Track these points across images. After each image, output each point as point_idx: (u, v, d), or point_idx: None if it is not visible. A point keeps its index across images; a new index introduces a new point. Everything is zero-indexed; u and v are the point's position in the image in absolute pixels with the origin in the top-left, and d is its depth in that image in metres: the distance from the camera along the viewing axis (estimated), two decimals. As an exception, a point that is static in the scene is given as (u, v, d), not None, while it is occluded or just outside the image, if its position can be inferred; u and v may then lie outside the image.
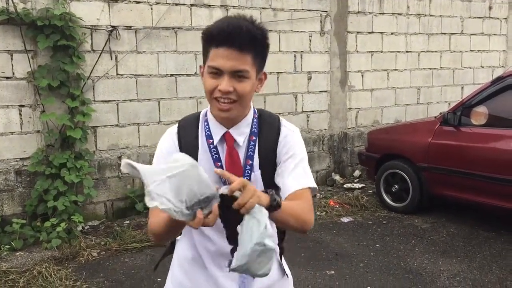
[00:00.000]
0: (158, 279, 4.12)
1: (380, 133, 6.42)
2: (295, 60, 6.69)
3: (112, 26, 5.39)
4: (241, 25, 1.40)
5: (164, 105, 5.80)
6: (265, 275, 1.25)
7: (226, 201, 1.23)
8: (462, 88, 8.37)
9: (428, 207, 5.68)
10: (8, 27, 4.88)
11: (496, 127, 4.97)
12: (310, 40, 6.79)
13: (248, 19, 1.44)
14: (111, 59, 5.43)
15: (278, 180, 1.51)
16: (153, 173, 1.17)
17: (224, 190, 1.23)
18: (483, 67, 8.59)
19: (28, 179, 5.09)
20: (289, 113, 6.71)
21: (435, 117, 5.77)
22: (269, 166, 1.53)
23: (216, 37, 1.40)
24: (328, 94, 7.05)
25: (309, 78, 6.84)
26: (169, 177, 1.16)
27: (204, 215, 1.20)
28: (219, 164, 1.49)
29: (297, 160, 1.53)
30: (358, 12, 7.15)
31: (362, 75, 7.32)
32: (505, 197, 4.75)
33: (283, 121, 1.60)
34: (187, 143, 1.53)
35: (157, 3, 5.64)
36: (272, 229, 1.24)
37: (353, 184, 6.99)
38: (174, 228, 1.38)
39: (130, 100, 5.60)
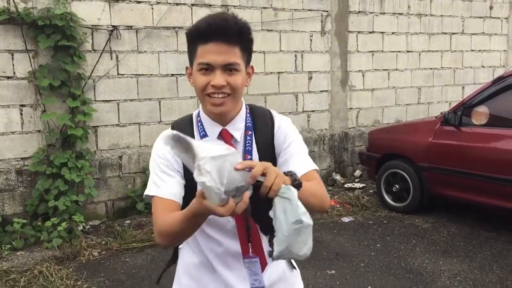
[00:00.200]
0: (159, 279, 4.12)
1: (380, 133, 6.42)
2: (295, 60, 6.69)
3: (113, 26, 5.40)
4: (226, 19, 1.40)
5: (165, 105, 5.80)
6: (307, 256, 1.24)
7: (254, 189, 1.22)
8: (463, 88, 8.37)
9: (428, 207, 5.68)
10: (9, 26, 4.89)
11: (497, 127, 4.96)
12: (311, 40, 6.79)
13: (230, 14, 1.43)
14: (112, 59, 5.43)
15: (284, 168, 1.49)
16: (201, 149, 1.15)
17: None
18: (484, 67, 8.58)
19: (29, 178, 5.10)
20: (289, 113, 6.71)
21: (436, 117, 5.77)
22: (268, 160, 1.49)
23: (203, 33, 1.39)
24: (329, 94, 7.05)
25: (310, 78, 6.84)
26: (213, 158, 1.14)
27: (234, 203, 1.17)
28: None
29: (296, 146, 1.54)
30: (359, 11, 7.15)
31: (363, 75, 7.32)
32: (505, 197, 4.75)
33: (274, 112, 1.61)
34: None
35: (158, 3, 5.64)
36: (303, 206, 1.23)
37: (353, 184, 6.99)
38: (192, 225, 1.33)
39: (131, 100, 5.61)
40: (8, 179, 5.03)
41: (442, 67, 8.11)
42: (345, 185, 6.93)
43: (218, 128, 1.51)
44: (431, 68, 8.00)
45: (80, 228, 5.01)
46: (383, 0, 7.36)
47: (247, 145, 1.52)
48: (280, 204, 1.21)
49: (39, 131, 5.13)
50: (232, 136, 1.51)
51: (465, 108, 5.21)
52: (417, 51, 7.80)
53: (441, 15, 7.97)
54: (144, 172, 5.67)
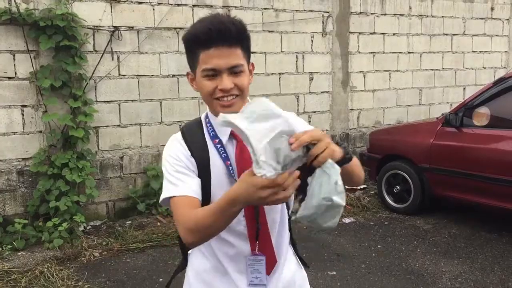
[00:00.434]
0: (160, 279, 4.13)
1: (382, 134, 6.42)
2: (297, 61, 6.69)
3: (114, 27, 5.40)
4: (223, 21, 1.39)
5: (166, 106, 5.80)
6: (331, 228, 1.27)
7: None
8: (464, 89, 8.36)
9: (429, 208, 5.67)
10: (11, 27, 4.89)
11: (498, 128, 4.96)
12: (312, 41, 6.79)
13: (225, 15, 1.43)
14: (113, 59, 5.44)
15: None
16: (257, 139, 1.15)
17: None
18: (485, 68, 8.58)
19: (30, 179, 5.10)
20: (290, 113, 6.69)
21: (437, 118, 5.76)
22: None
23: (203, 39, 1.38)
24: (330, 94, 7.05)
25: (311, 79, 6.84)
26: (269, 143, 1.14)
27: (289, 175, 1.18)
28: (229, 162, 1.48)
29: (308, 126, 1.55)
30: (360, 13, 7.15)
31: (364, 76, 7.32)
32: (507, 198, 4.75)
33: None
34: (197, 147, 1.50)
35: (159, 4, 5.64)
36: (343, 186, 1.25)
37: (354, 184, 6.97)
38: (227, 216, 1.29)
39: (132, 101, 5.61)
40: (10, 179, 5.03)
41: (443, 68, 8.11)
42: (346, 186, 6.92)
43: (228, 128, 1.50)
44: (432, 69, 7.99)
45: (81, 228, 5.01)
46: (384, 1, 7.36)
47: None
48: (319, 176, 1.23)
49: (40, 131, 5.14)
50: None
51: (466, 109, 5.20)
52: (418, 52, 7.80)
53: (442, 16, 7.97)
54: (145, 173, 5.67)
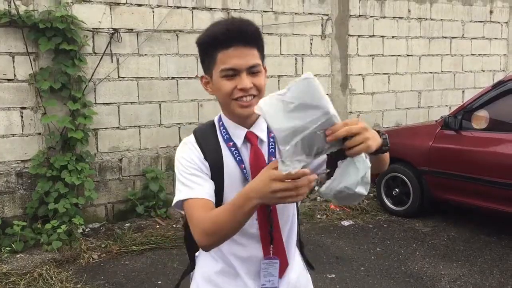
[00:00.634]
0: (159, 282, 4.12)
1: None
2: (296, 64, 6.70)
3: (114, 29, 5.41)
4: (240, 23, 1.43)
5: (165, 108, 5.81)
6: (354, 203, 1.30)
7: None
8: (463, 92, 8.37)
9: (428, 211, 5.67)
10: (10, 29, 4.90)
11: (497, 131, 4.97)
12: (311, 44, 6.80)
13: (238, 18, 1.46)
14: (113, 61, 5.44)
15: None
16: (286, 140, 1.16)
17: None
18: (484, 71, 8.59)
19: (29, 181, 5.10)
20: (290, 116, 6.70)
21: (436, 120, 5.77)
22: None
23: (222, 39, 1.39)
24: (329, 97, 7.03)
25: (310, 82, 6.83)
26: (302, 140, 1.15)
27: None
28: (243, 165, 1.48)
29: None
30: (359, 15, 7.17)
31: (363, 79, 7.32)
32: (506, 201, 4.75)
33: None
34: (210, 150, 1.50)
35: (159, 6, 5.65)
36: (369, 178, 1.27)
37: (353, 187, 6.97)
38: (244, 215, 1.29)
39: (131, 103, 5.61)
40: (8, 181, 5.03)
41: (442, 71, 8.12)
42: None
43: (243, 131, 1.50)
44: (431, 72, 8.00)
45: (80, 230, 5.01)
46: (384, 4, 7.37)
47: (270, 147, 1.52)
48: (348, 166, 1.24)
49: (39, 133, 5.13)
50: (257, 137, 1.51)
51: (465, 112, 5.21)
52: (417, 55, 7.81)
53: (441, 19, 7.98)
54: (144, 175, 5.66)
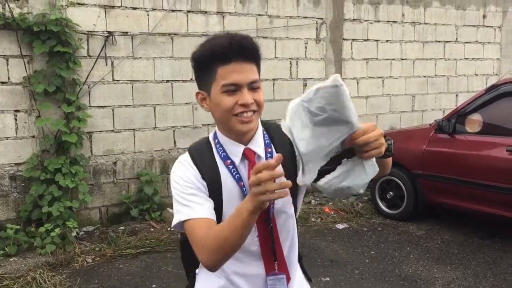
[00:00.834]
0: (153, 285, 4.11)
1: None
2: (290, 67, 6.71)
3: (109, 32, 5.40)
4: (241, 38, 1.40)
5: (160, 111, 5.80)
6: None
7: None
8: (457, 95, 8.42)
9: (422, 214, 5.69)
10: (4, 32, 4.88)
11: (490, 135, 4.99)
12: (306, 47, 6.82)
13: (236, 33, 1.44)
14: (107, 64, 5.43)
15: None
16: (312, 155, 1.21)
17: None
18: (477, 75, 8.64)
19: (23, 184, 5.07)
20: (284, 119, 6.70)
21: (430, 124, 5.80)
22: (293, 171, 1.46)
23: (223, 54, 1.37)
24: (323, 101, 7.06)
25: (305, 85, 6.87)
26: (325, 155, 1.20)
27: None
28: (242, 183, 1.45)
29: None
30: (354, 19, 7.20)
31: (357, 82, 7.35)
32: (499, 204, 4.78)
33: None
34: (207, 168, 1.47)
35: (154, 10, 5.65)
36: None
37: (348, 190, 6.98)
38: (248, 226, 1.28)
39: (126, 106, 5.60)
40: (2, 184, 5.00)
41: (436, 75, 8.16)
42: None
43: (240, 147, 1.48)
44: (425, 76, 8.04)
45: (74, 234, 4.98)
46: (378, 8, 7.41)
47: None
48: (356, 167, 1.26)
49: (33, 136, 5.11)
50: (255, 153, 1.48)
51: (459, 116, 5.24)
52: (411, 59, 7.84)
53: (435, 24, 8.02)
54: (138, 178, 5.65)
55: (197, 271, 1.63)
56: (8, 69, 4.94)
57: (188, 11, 5.87)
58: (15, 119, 5.03)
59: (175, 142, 5.93)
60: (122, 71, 5.53)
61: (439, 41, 8.10)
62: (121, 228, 5.42)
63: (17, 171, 5.06)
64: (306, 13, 6.76)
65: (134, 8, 5.54)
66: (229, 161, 1.47)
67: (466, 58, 8.46)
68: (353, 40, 7.23)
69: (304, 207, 6.11)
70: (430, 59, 8.05)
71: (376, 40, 7.44)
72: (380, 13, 7.43)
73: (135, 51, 5.58)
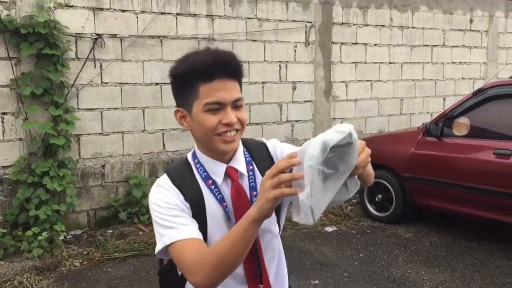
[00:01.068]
0: (142, 289, 4.09)
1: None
2: (280, 70, 6.73)
3: (97, 34, 5.38)
4: (224, 54, 1.36)
5: (149, 114, 5.78)
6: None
7: None
8: (444, 99, 8.49)
9: (411, 216, 5.73)
10: (-9, 33, 4.84)
11: (477, 138, 5.04)
12: (295, 50, 6.84)
13: (218, 49, 1.40)
14: (96, 67, 5.40)
15: None
16: (316, 204, 1.16)
17: None
18: (464, 78, 8.73)
19: (10, 187, 5.02)
20: (273, 122, 6.73)
21: (418, 127, 5.84)
22: None
23: (207, 70, 1.32)
24: (312, 104, 7.10)
25: (294, 88, 6.88)
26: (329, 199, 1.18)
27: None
28: (225, 204, 1.41)
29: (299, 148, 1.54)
30: (343, 23, 7.23)
31: (346, 86, 7.38)
32: (486, 207, 4.82)
33: (262, 139, 1.59)
34: (189, 189, 1.40)
35: (143, 12, 5.63)
36: None
37: (337, 193, 7.00)
38: (248, 241, 1.23)
39: (115, 108, 5.57)
40: (-12, 188, 4.95)
41: (423, 79, 8.23)
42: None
43: (222, 166, 1.43)
44: (413, 80, 8.11)
45: (61, 238, 4.94)
46: (366, 12, 7.46)
47: (251, 181, 1.45)
48: (340, 186, 1.23)
49: (20, 139, 5.07)
50: (237, 171, 1.44)
51: (447, 119, 5.29)
52: (399, 62, 7.90)
53: (423, 28, 8.10)
54: (127, 181, 5.62)
55: None
56: (-5, 71, 4.90)
57: (178, 14, 5.86)
58: (2, 122, 4.98)
59: (164, 145, 5.91)
60: (111, 73, 5.51)
61: (426, 45, 8.17)
62: (109, 231, 5.38)
63: (4, 174, 5.00)
64: (295, 16, 6.78)
65: (123, 11, 5.52)
66: (210, 181, 1.42)
67: (453, 62, 8.54)
68: (342, 43, 7.26)
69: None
70: (418, 63, 8.12)
71: (364, 44, 7.48)
72: (369, 17, 7.48)
73: (124, 54, 5.55)
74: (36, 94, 4.92)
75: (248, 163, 1.47)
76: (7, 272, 4.40)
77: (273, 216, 1.41)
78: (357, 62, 7.44)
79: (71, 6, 5.22)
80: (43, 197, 4.86)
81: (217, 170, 1.43)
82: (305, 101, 7.02)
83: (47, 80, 4.96)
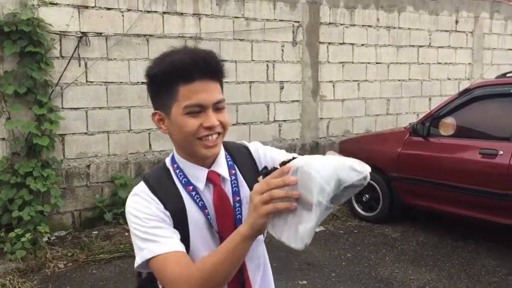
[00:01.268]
0: (127, 291, 4.03)
1: (351, 142, 6.48)
2: (267, 70, 6.71)
3: (82, 32, 5.30)
4: (204, 54, 1.28)
5: (135, 113, 5.72)
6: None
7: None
8: (430, 99, 8.54)
9: (398, 216, 5.74)
10: (-27, 31, 4.75)
11: (463, 138, 5.06)
12: (283, 50, 6.82)
13: (198, 48, 1.33)
14: (80, 66, 5.33)
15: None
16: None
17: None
18: (449, 79, 8.79)
19: (-8, 188, 4.93)
20: (261, 122, 6.71)
21: (404, 127, 5.86)
22: None
23: (187, 71, 1.24)
24: (300, 103, 7.09)
25: (281, 88, 6.86)
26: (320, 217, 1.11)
27: None
28: (206, 211, 1.33)
29: (284, 153, 1.49)
30: (330, 23, 7.24)
31: (333, 86, 7.39)
32: (471, 206, 4.84)
33: (244, 142, 1.53)
34: (169, 197, 1.32)
35: (129, 10, 5.57)
36: None
37: (324, 193, 7.00)
38: (240, 257, 1.17)
39: (100, 108, 5.50)
40: (-30, 188, 4.85)
41: (410, 79, 8.27)
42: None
43: (204, 171, 1.35)
44: (399, 80, 8.14)
45: (45, 239, 4.86)
46: (353, 13, 7.47)
47: (233, 186, 1.39)
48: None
49: (3, 139, 4.98)
50: (220, 176, 1.38)
51: (433, 119, 5.31)
52: (386, 63, 7.93)
53: (409, 28, 8.13)
54: (113, 182, 5.55)
55: None
56: (-23, 70, 4.81)
57: (164, 12, 5.81)
58: (-16, 121, 4.89)
59: (150, 145, 5.86)
60: (96, 72, 5.44)
61: (413, 46, 8.21)
62: (95, 232, 5.31)
63: (-14, 175, 4.91)
64: (283, 16, 6.77)
65: (108, 9, 5.45)
66: (191, 187, 1.34)
67: (439, 63, 8.60)
68: (329, 43, 7.26)
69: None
70: (404, 63, 8.15)
71: (351, 44, 7.49)
72: (356, 17, 7.49)
73: (109, 52, 5.48)
74: (19, 93, 4.84)
75: (230, 167, 1.40)
76: (-11, 274, 4.32)
77: None
78: (344, 62, 7.45)
79: (55, 4, 5.14)
80: (27, 198, 4.79)
81: (198, 175, 1.35)
82: (292, 101, 7.01)
83: (30, 79, 4.88)
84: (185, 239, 1.29)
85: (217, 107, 1.29)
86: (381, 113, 8.01)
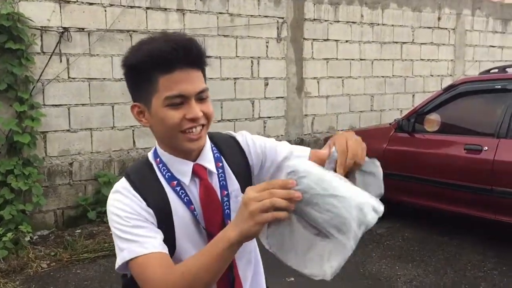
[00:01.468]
0: (113, 291, 3.98)
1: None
2: (252, 66, 6.67)
3: (64, 28, 5.20)
4: (185, 41, 1.20)
5: (118, 110, 5.63)
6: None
7: None
8: (413, 96, 8.60)
9: (384, 212, 5.74)
10: (-49, 26, 4.62)
11: (449, 134, 5.10)
12: (267, 46, 6.79)
13: (178, 34, 1.24)
14: (62, 61, 5.23)
15: (285, 162, 1.34)
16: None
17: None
18: (432, 75, 8.86)
19: (-28, 187, 4.82)
20: (246, 119, 6.67)
21: (390, 123, 5.87)
22: (249, 183, 1.33)
23: (166, 59, 1.16)
24: (284, 100, 7.07)
25: (266, 84, 6.84)
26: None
27: None
28: (192, 207, 1.26)
29: (273, 141, 1.42)
30: (314, 19, 7.23)
31: (318, 82, 7.38)
32: (456, 201, 4.88)
33: (231, 132, 1.46)
34: (152, 194, 1.25)
35: (111, 5, 5.48)
36: None
37: (309, 190, 7.00)
38: (226, 261, 1.11)
39: (83, 105, 5.41)
40: None
41: (393, 75, 8.31)
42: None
43: (189, 165, 1.28)
44: (383, 76, 8.18)
45: (27, 238, 4.76)
46: (337, 9, 7.47)
47: (221, 180, 1.32)
48: (362, 179, 1.13)
49: (-18, 136, 4.86)
50: (206, 169, 1.30)
51: (418, 115, 5.33)
52: (370, 59, 7.96)
53: (392, 25, 8.17)
54: (96, 180, 5.47)
55: None
56: (-46, 65, 4.68)
57: (147, 8, 5.73)
58: (-37, 118, 4.76)
59: (134, 142, 5.78)
60: (78, 68, 5.34)
61: (396, 42, 8.26)
62: (78, 231, 5.23)
63: (-35, 173, 4.79)
64: (267, 12, 6.74)
65: (91, 4, 5.35)
66: (175, 182, 1.27)
67: (422, 59, 8.67)
68: (314, 39, 7.26)
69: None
70: (388, 59, 8.20)
71: (336, 40, 7.50)
72: (340, 13, 7.50)
73: (92, 48, 5.39)
74: (-1, 89, 4.73)
75: (217, 160, 1.33)
76: (-30, 275, 4.22)
77: None
78: (328, 59, 7.45)
79: (36, -2, 5.03)
80: (8, 197, 4.70)
81: (183, 170, 1.27)
82: (277, 97, 6.99)
83: (11, 75, 4.78)
84: (170, 237, 1.23)
85: (200, 97, 1.22)
86: (365, 110, 8.04)
